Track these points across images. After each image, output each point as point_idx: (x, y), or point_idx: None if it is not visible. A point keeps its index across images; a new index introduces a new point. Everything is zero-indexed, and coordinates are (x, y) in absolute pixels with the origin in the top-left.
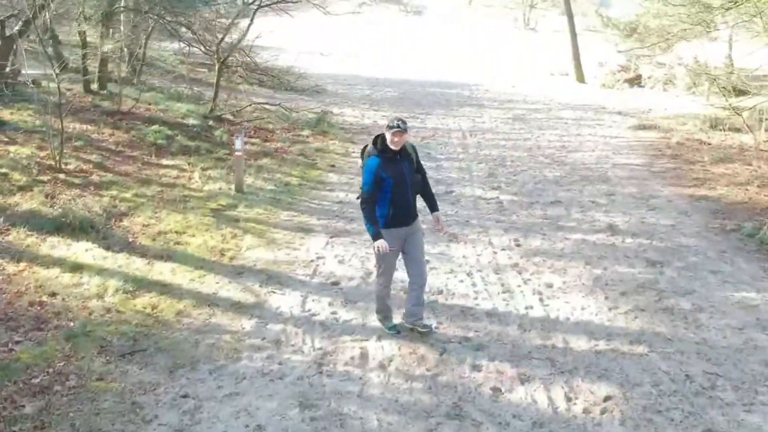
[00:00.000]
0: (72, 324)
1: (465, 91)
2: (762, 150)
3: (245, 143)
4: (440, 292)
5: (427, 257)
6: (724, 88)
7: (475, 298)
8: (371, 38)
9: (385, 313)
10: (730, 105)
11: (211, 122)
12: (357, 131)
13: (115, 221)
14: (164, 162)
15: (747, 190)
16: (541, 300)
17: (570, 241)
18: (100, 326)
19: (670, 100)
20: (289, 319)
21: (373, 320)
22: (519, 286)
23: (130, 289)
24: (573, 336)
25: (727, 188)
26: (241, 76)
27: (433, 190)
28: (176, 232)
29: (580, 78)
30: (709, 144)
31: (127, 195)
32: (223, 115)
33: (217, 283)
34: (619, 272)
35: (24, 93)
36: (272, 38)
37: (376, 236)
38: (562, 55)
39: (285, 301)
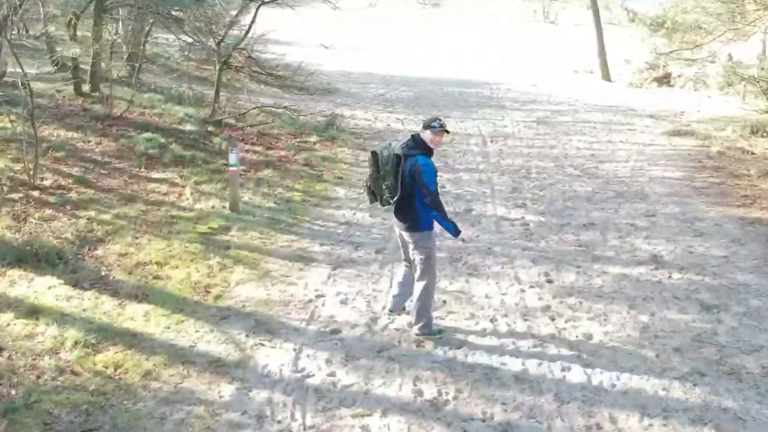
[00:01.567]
0: (14, 392)
1: (485, 91)
2: None
3: (246, 152)
4: (460, 346)
5: (444, 297)
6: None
7: (501, 355)
8: (387, 33)
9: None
10: None
11: (210, 128)
12: (369, 137)
13: (89, 250)
14: (154, 175)
15: None
16: (580, 358)
17: (609, 276)
18: (48, 395)
19: (702, 101)
20: (278, 382)
21: (378, 386)
22: (553, 337)
23: (92, 341)
24: (622, 412)
25: None
26: (246, 74)
27: (452, 208)
28: (157, 263)
29: (606, 76)
30: (753, 153)
31: (107, 216)
32: (225, 120)
33: (197, 331)
34: (669, 319)
35: (8, 95)
36: (283, 33)
37: (458, 230)
38: (586, 51)
39: (274, 357)
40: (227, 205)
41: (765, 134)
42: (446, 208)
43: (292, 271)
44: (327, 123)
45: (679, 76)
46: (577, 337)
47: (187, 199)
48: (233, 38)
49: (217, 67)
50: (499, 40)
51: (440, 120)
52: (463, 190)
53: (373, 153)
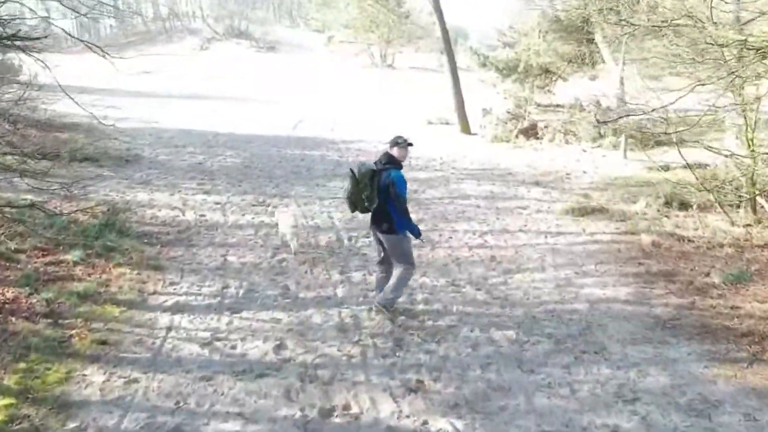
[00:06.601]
0: None
1: (332, 153)
2: (758, 246)
3: None
4: None
5: None
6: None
7: None
8: (219, 79)
9: None
10: (698, 178)
11: None
12: (169, 241)
13: None
14: None
15: None
16: None
17: None
18: None
19: (581, 157)
20: None
21: None
22: None
23: None
24: None
25: None
26: None
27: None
28: None
29: (465, 129)
30: (691, 241)
31: None
32: None
33: None
34: None
35: None
36: (92, 82)
37: (419, 233)
38: (431, 96)
39: None
40: None
41: (684, 207)
42: None
43: None
44: (102, 223)
45: (545, 127)
46: None
47: None
48: None
49: None
50: (340, 86)
51: (404, 137)
52: (316, 354)
53: (351, 170)
